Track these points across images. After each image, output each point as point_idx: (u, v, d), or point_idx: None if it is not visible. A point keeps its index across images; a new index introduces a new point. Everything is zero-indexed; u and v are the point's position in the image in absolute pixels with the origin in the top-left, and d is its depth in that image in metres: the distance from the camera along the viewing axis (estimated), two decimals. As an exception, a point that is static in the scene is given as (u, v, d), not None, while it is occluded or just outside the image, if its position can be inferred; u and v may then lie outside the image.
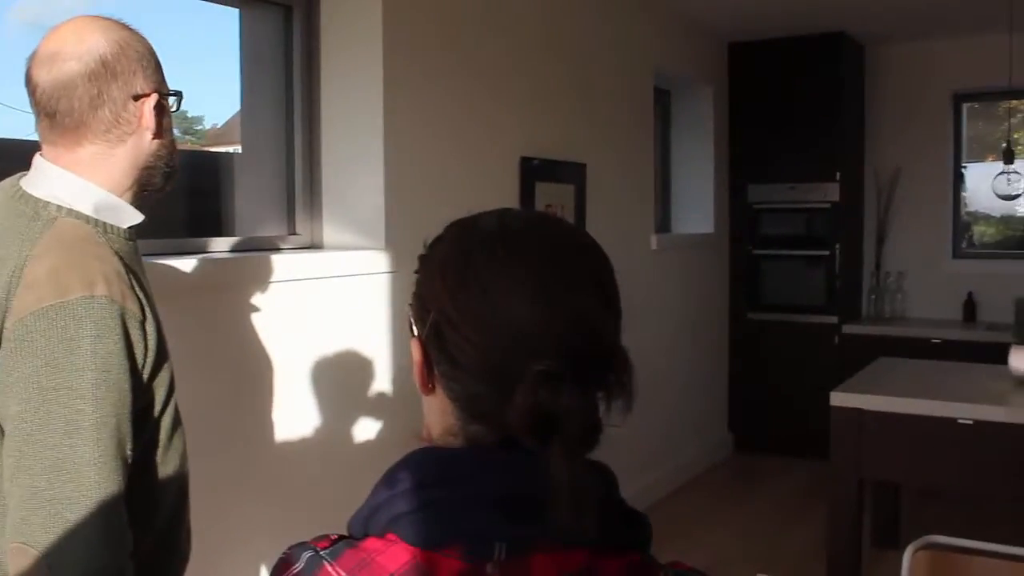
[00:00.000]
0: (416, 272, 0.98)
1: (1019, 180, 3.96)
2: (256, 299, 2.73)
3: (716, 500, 5.27)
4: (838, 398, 3.47)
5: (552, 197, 4.16)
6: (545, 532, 0.85)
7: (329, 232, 3.28)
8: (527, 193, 3.99)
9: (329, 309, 2.99)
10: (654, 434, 5.18)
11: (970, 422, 3.29)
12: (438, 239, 0.98)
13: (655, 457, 5.21)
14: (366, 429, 3.15)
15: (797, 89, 5.89)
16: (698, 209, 5.91)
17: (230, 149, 3.40)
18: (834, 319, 5.83)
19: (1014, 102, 6.01)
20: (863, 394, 3.47)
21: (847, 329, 5.79)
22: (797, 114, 5.89)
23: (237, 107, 3.30)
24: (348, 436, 3.08)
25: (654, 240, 5.12)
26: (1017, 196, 3.98)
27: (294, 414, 2.85)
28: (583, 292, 0.93)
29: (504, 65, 3.86)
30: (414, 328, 0.95)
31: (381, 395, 3.22)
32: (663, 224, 5.82)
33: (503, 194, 3.84)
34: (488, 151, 3.79)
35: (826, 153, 5.82)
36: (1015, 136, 5.93)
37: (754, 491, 5.42)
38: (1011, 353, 3.64)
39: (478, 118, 3.73)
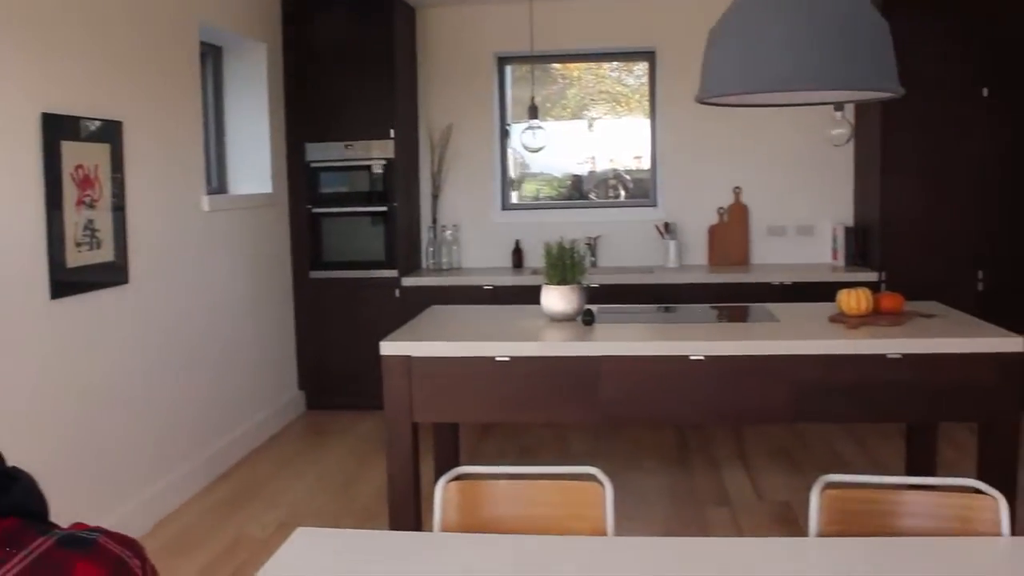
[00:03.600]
0: None
1: (543, 134, 4.31)
2: None
3: (290, 458, 5.27)
4: (388, 347, 3.57)
5: (83, 157, 3.83)
6: None
7: None
8: (52, 154, 3.63)
9: None
10: (226, 399, 5.08)
11: (507, 359, 3.55)
12: None
13: (229, 421, 5.12)
14: None
15: (352, 49, 5.96)
16: (255, 169, 5.78)
17: None
18: (395, 273, 6.02)
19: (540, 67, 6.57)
20: (411, 341, 3.60)
21: (407, 282, 6.01)
22: (352, 73, 5.96)
23: None
24: None
25: (206, 202, 4.92)
26: (540, 149, 4.33)
27: None
28: None
29: (11, 6, 3.46)
30: None
31: None
32: (220, 185, 5.62)
33: (20, 156, 3.48)
34: (-3, 106, 3.39)
35: (381, 112, 5.96)
36: (563, 95, 6.50)
37: (325, 446, 5.48)
38: (542, 293, 3.97)
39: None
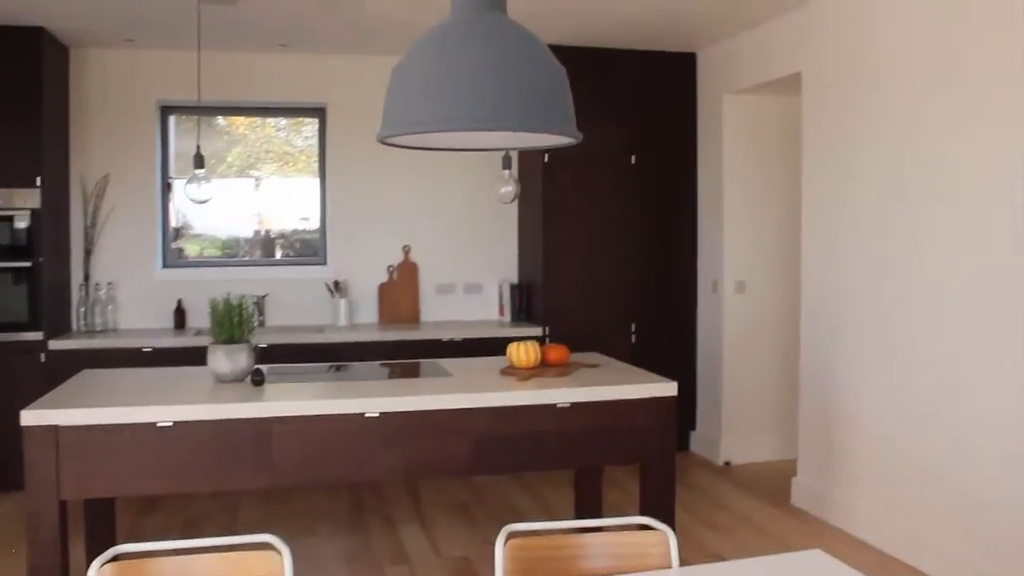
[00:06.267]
0: None
1: (209, 185, 4.11)
2: None
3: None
4: (30, 416, 3.19)
5: None
6: None
7: None
8: None
9: None
10: None
11: (170, 424, 3.29)
12: None
13: None
14: None
15: (-8, 87, 5.39)
16: None
17: None
18: (40, 335, 5.45)
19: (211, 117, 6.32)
20: (57, 409, 3.23)
21: (54, 345, 5.45)
22: (-7, 114, 5.39)
23: None
24: None
25: None
26: (207, 200, 4.12)
27: None
28: None
29: None
30: None
31: None
32: None
33: None
34: None
35: (26, 158, 5.42)
36: (229, 152, 6.23)
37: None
38: (209, 352, 3.75)
39: None
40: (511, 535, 2.13)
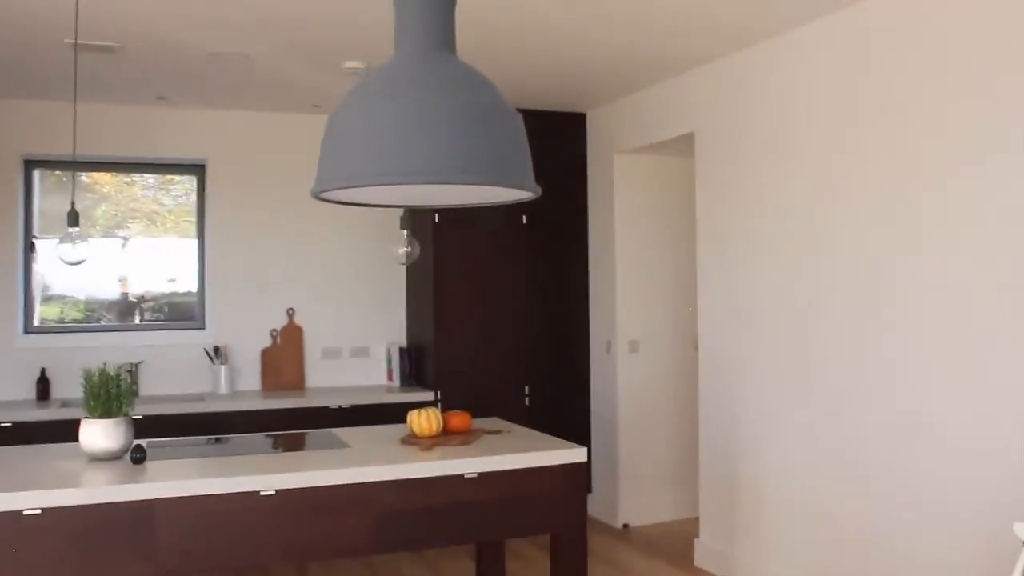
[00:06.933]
0: None
1: (84, 245, 3.79)
2: None
3: None
4: None
5: None
6: None
7: None
8: None
9: None
10: None
11: (38, 511, 2.95)
12: None
13: None
14: None
15: None
16: None
17: None
18: None
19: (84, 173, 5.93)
20: (-93, 498, 2.85)
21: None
22: None
23: None
24: None
25: None
26: (82, 261, 3.80)
27: None
28: None
29: None
30: None
31: None
32: None
33: None
34: None
35: None
36: (94, 210, 5.85)
37: None
38: (82, 428, 3.41)
39: None
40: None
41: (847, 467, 4.16)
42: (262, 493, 3.20)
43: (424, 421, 3.87)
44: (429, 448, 3.73)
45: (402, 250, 4.21)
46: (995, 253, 3.44)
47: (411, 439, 3.86)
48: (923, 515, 3.76)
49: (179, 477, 3.18)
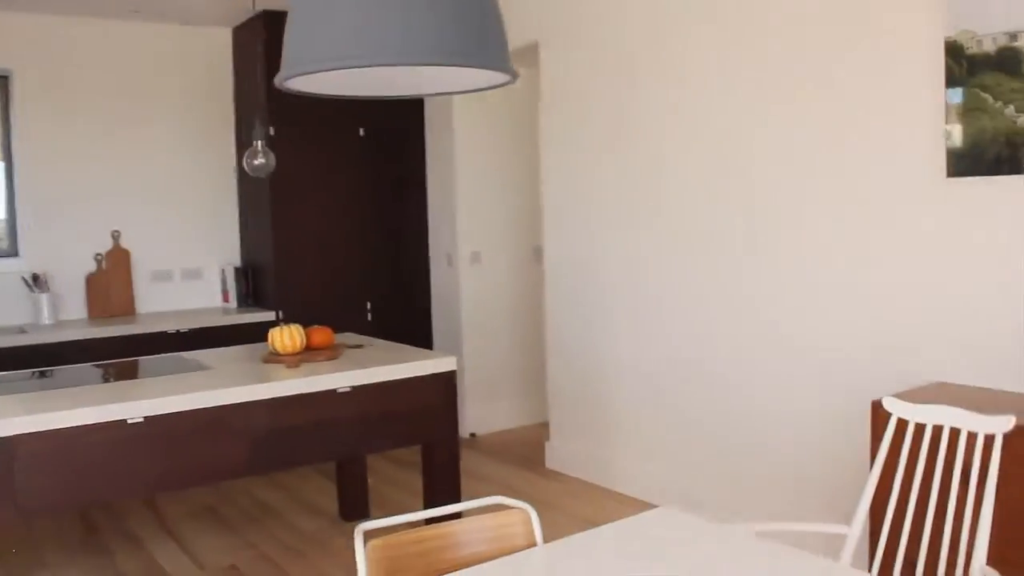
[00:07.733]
0: None
1: None
2: None
3: None
4: None
5: None
6: None
7: None
8: None
9: None
10: None
11: None
12: None
13: None
14: None
15: None
16: None
17: None
18: None
19: None
20: None
21: None
22: None
23: None
24: None
25: None
26: None
27: None
28: None
29: None
30: None
31: None
32: None
33: None
34: None
35: None
36: None
37: None
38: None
39: None
40: (367, 535, 1.90)
41: (698, 364, 4.36)
42: (130, 421, 3.04)
43: (287, 338, 3.77)
44: (296, 365, 3.64)
45: (257, 161, 4.00)
46: (820, 175, 3.64)
47: (274, 357, 3.75)
48: (770, 411, 4.00)
49: (40, 410, 2.96)
